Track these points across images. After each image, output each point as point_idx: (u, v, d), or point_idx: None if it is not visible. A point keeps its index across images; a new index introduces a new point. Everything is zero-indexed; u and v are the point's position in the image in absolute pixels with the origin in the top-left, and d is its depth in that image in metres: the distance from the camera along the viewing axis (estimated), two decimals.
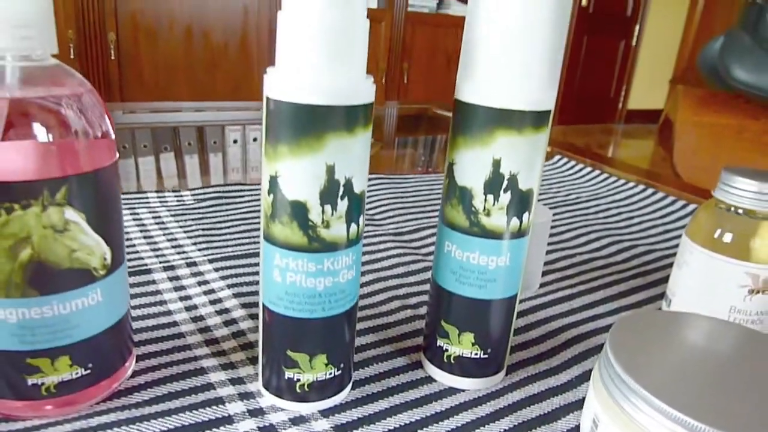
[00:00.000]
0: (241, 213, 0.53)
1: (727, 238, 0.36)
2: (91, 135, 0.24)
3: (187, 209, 0.53)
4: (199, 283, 0.40)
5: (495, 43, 0.26)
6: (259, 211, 0.54)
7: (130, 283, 0.39)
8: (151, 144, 0.81)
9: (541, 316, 0.40)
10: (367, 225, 0.53)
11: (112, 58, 2.21)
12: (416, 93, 2.97)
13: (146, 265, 0.42)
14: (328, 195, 0.24)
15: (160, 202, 0.54)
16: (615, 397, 0.25)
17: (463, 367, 0.31)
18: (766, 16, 1.10)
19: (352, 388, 0.31)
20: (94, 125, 0.25)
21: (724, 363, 0.26)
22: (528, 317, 0.40)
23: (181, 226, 0.49)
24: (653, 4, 3.99)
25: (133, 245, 0.45)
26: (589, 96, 4.03)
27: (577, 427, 0.29)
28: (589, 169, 0.77)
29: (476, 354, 0.31)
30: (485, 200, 0.27)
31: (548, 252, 0.51)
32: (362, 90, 0.24)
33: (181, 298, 0.38)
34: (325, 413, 0.29)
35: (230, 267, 0.43)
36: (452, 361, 0.31)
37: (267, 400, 0.29)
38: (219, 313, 0.37)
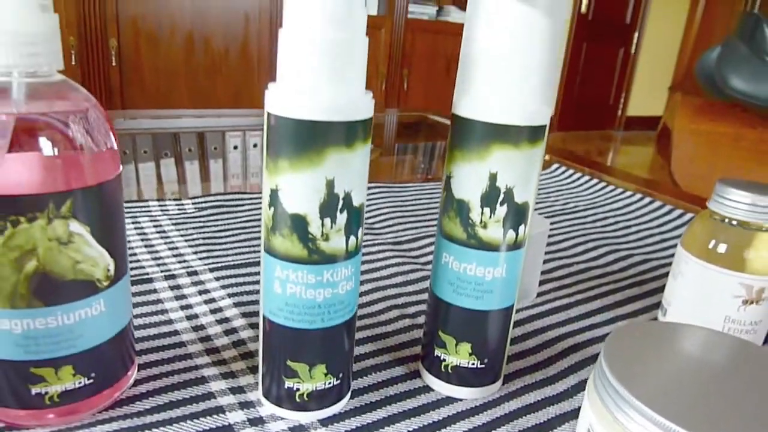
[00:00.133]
0: (241, 222, 0.54)
1: (722, 249, 0.36)
2: (95, 149, 0.25)
3: (188, 218, 0.53)
4: (200, 292, 0.41)
5: (491, 60, 0.26)
6: (259, 220, 0.55)
7: (131, 292, 0.40)
8: (151, 150, 0.82)
9: (538, 325, 0.40)
10: (366, 234, 0.54)
11: (114, 64, 2.22)
12: (416, 99, 2.98)
13: (148, 274, 0.43)
14: (328, 208, 0.25)
15: (162, 210, 0.55)
16: (609, 407, 0.25)
17: (460, 376, 0.31)
18: (762, 26, 1.11)
19: (351, 398, 0.31)
20: (98, 140, 0.25)
21: (718, 374, 0.26)
22: (525, 326, 0.40)
23: (182, 235, 0.50)
24: (652, 12, 4.01)
25: (135, 254, 0.46)
26: (588, 102, 4.05)
27: None
28: (587, 177, 0.77)
29: (473, 364, 0.31)
30: (482, 213, 0.28)
31: (546, 261, 0.51)
32: (361, 106, 0.24)
33: (182, 307, 0.39)
34: (324, 422, 0.29)
35: (231, 276, 0.43)
36: (450, 371, 0.31)
37: (267, 409, 0.30)
38: (219, 322, 0.37)
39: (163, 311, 0.38)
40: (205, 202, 0.57)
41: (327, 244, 0.26)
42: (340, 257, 0.26)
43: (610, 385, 0.25)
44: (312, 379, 0.28)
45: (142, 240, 0.48)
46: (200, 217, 0.54)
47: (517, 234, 0.29)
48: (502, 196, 0.28)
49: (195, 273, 0.43)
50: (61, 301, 0.25)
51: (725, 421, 0.23)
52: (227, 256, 0.47)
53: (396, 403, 0.31)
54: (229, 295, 0.41)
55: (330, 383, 0.29)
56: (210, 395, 0.30)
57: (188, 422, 0.28)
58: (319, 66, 0.23)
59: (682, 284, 0.38)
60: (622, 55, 4.11)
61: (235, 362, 0.33)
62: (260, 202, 0.58)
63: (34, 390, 0.26)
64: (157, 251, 0.46)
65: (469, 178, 0.28)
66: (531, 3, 0.25)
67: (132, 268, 0.43)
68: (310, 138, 0.24)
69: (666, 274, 0.51)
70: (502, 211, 0.28)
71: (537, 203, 0.68)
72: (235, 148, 0.87)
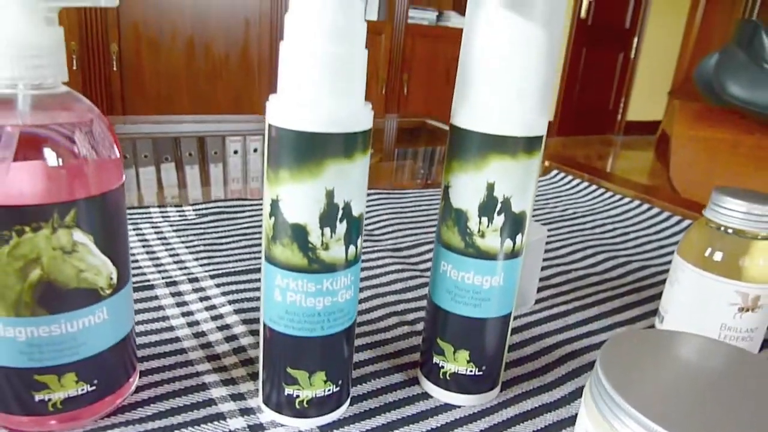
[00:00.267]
0: (242, 228, 0.54)
1: (718, 257, 0.37)
2: (99, 159, 0.25)
3: (189, 224, 0.54)
4: (201, 299, 0.41)
5: (489, 72, 0.27)
6: (259, 226, 0.55)
7: (133, 299, 0.40)
8: (152, 154, 0.82)
9: (536, 332, 0.41)
10: (366, 241, 0.54)
11: (115, 68, 2.23)
12: (416, 104, 2.99)
13: (149, 280, 0.43)
14: (328, 218, 0.25)
15: (163, 217, 0.55)
16: (605, 415, 0.25)
17: (458, 383, 0.32)
18: (760, 33, 1.12)
19: (350, 404, 0.31)
20: (102, 150, 0.25)
21: (714, 382, 0.27)
22: (523, 333, 0.40)
23: (183, 242, 0.50)
24: (652, 17, 4.03)
25: (136, 260, 0.46)
26: (588, 107, 4.06)
27: None
28: (585, 184, 0.78)
29: (471, 371, 0.31)
30: (480, 222, 0.28)
31: (544, 267, 0.51)
32: (361, 118, 0.25)
33: (184, 314, 0.39)
34: (324, 429, 0.29)
35: (231, 283, 0.44)
36: (448, 378, 0.32)
37: (267, 415, 0.30)
38: (220, 329, 0.38)
39: (165, 318, 0.38)
40: (206, 208, 0.58)
41: (327, 253, 0.26)
42: (340, 266, 0.27)
43: (606, 393, 0.25)
44: (312, 386, 0.28)
45: (144, 246, 0.49)
46: (201, 223, 0.54)
47: (514, 243, 0.29)
48: (499, 205, 0.28)
49: (196, 280, 0.44)
50: (65, 309, 0.25)
51: (721, 429, 0.23)
52: (228, 262, 0.47)
53: (395, 410, 0.31)
54: (230, 302, 0.41)
55: (329, 390, 0.29)
56: (211, 402, 0.31)
57: (189, 429, 0.29)
58: (319, 79, 0.24)
59: (679, 292, 0.38)
60: (621, 60, 4.12)
61: (236, 369, 0.34)
62: (260, 209, 0.58)
63: (37, 397, 0.26)
64: (158, 258, 0.47)
65: (466, 188, 0.28)
66: (528, 16, 0.26)
67: (133, 275, 0.44)
68: (310, 149, 0.24)
69: (664, 281, 0.51)
70: (499, 220, 0.28)
71: (536, 209, 0.68)
72: (236, 152, 0.87)
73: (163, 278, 0.44)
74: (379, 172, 0.85)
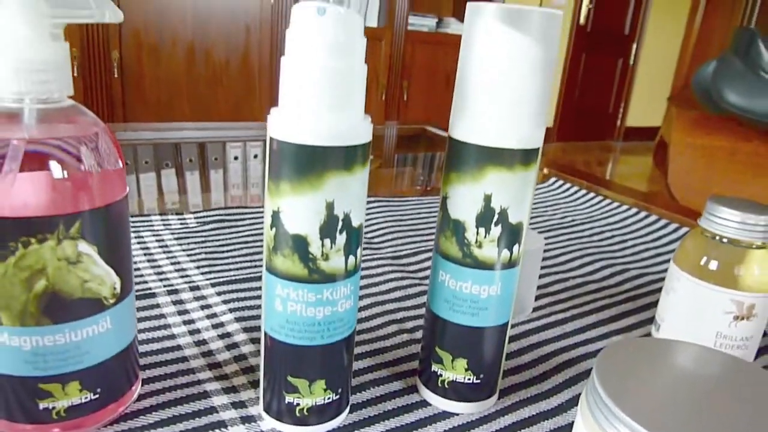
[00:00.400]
0: (242, 236, 0.55)
1: (713, 266, 0.37)
2: (103, 172, 0.26)
3: (190, 232, 0.54)
4: (202, 307, 0.41)
5: (486, 86, 0.27)
6: (259, 234, 0.55)
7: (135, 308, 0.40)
8: (152, 160, 0.83)
9: (533, 340, 0.41)
10: (365, 249, 0.55)
11: (116, 75, 2.24)
12: (415, 110, 3.00)
13: (151, 288, 0.43)
14: (328, 230, 0.26)
15: (164, 225, 0.55)
16: (601, 423, 0.26)
17: (456, 391, 0.32)
18: (757, 41, 1.12)
19: (350, 412, 0.32)
20: (106, 163, 0.26)
21: (709, 391, 0.27)
22: (521, 341, 0.41)
23: (184, 250, 0.51)
24: (651, 23, 4.04)
25: (138, 269, 0.46)
26: (587, 113, 4.07)
27: None
28: (584, 191, 0.78)
29: (469, 379, 0.32)
30: (477, 233, 0.29)
31: (542, 275, 0.52)
32: (360, 131, 0.25)
33: (185, 322, 0.39)
34: None
35: (232, 291, 0.44)
36: (446, 386, 0.32)
37: (267, 423, 0.30)
38: (221, 337, 0.38)
39: (166, 326, 0.39)
40: (207, 216, 0.58)
41: (327, 263, 0.26)
42: (340, 276, 0.27)
43: (602, 401, 0.26)
44: (312, 395, 0.29)
45: (145, 255, 0.49)
46: (202, 231, 0.55)
47: (511, 253, 0.30)
48: (496, 216, 0.28)
49: (197, 288, 0.44)
50: (69, 319, 0.26)
51: None
52: (229, 270, 0.48)
53: (394, 418, 0.32)
54: (231, 310, 0.41)
55: (329, 398, 0.29)
56: (212, 409, 0.31)
57: None
58: (320, 93, 0.24)
59: (675, 300, 0.39)
60: (621, 66, 4.14)
61: (237, 377, 0.34)
62: (261, 216, 0.59)
63: (41, 405, 0.26)
64: (159, 266, 0.47)
65: (464, 199, 0.29)
66: (524, 31, 0.26)
67: (135, 284, 0.44)
68: (311, 162, 0.25)
69: (661, 289, 0.52)
70: (496, 231, 0.29)
71: (534, 217, 0.69)
72: (236, 158, 0.88)
73: (164, 286, 0.44)
74: (379, 178, 0.85)
